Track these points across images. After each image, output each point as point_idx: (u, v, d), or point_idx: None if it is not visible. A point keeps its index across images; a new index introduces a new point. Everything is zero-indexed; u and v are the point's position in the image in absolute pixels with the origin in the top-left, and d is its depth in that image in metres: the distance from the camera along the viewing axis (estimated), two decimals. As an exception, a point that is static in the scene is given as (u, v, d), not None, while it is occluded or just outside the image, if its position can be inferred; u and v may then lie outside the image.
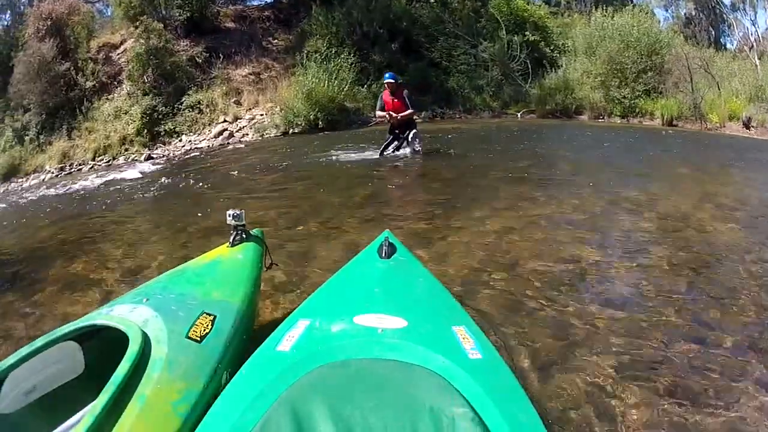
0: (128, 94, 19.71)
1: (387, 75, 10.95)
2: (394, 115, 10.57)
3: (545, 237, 5.50)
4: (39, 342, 2.25)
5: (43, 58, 19.26)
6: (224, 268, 3.09)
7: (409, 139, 11.07)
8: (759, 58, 28.93)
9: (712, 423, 2.71)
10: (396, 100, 10.65)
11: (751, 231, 5.80)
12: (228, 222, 3.37)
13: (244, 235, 3.41)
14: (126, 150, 18.21)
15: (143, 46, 19.37)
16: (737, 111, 18.53)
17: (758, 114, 17.97)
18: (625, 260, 4.81)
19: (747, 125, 17.92)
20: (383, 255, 2.95)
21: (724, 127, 18.22)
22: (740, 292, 4.11)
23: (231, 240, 3.35)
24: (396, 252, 3.02)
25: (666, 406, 2.81)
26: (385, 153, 11.14)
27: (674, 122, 19.13)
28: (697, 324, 3.60)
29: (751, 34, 37.56)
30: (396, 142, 11.20)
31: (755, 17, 38.52)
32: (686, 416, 2.76)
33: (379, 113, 11.13)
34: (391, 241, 3.07)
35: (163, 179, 11.46)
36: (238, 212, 3.37)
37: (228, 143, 17.55)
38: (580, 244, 5.21)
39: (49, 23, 20.16)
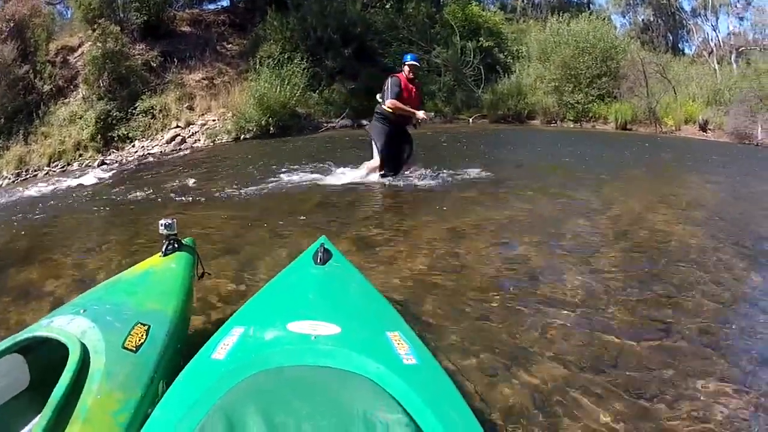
0: (84, 98, 19.67)
1: (411, 56, 8.72)
2: (421, 115, 8.46)
3: (495, 241, 5.53)
4: None
5: (4, 61, 19.15)
6: (157, 278, 3.10)
7: (407, 159, 9.00)
8: (718, 63, 29.73)
9: (670, 417, 2.77)
10: (415, 92, 8.57)
11: (705, 231, 5.96)
12: (160, 231, 3.35)
13: (176, 245, 3.40)
14: (80, 155, 18.21)
15: (100, 50, 19.28)
16: (693, 114, 19.23)
17: (716, 117, 18.68)
18: (576, 263, 4.86)
19: (704, 128, 18.67)
20: (318, 261, 2.95)
21: (680, 130, 18.92)
22: (695, 290, 4.21)
23: (163, 249, 3.34)
24: (331, 258, 3.02)
25: (620, 404, 2.85)
26: (389, 168, 8.79)
27: (628, 126, 19.74)
28: (650, 322, 3.66)
29: (711, 40, 38.43)
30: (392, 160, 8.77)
31: (716, 23, 39.25)
32: (642, 413, 2.81)
33: (395, 103, 8.27)
34: (326, 247, 3.08)
35: (115, 186, 11.52)
36: (170, 221, 3.34)
37: (180, 149, 17.61)
38: (530, 248, 5.29)
39: (12, 25, 20.05)
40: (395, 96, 8.20)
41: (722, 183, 9.35)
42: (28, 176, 17.68)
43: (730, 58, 32.81)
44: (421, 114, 8.40)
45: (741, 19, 40.36)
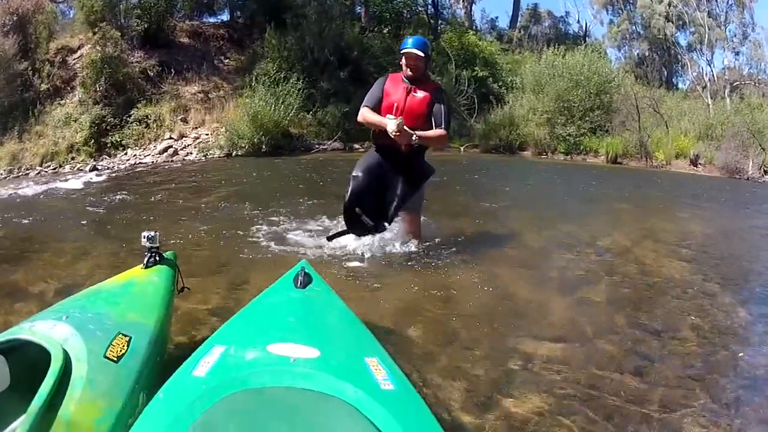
0: (80, 101, 19.81)
1: (411, 40, 5.47)
2: (401, 131, 5.12)
3: (482, 272, 5.38)
4: None
5: (5, 54, 19.29)
6: (138, 290, 3.08)
7: (403, 215, 5.93)
8: (712, 98, 29.97)
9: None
10: (415, 98, 5.40)
11: (692, 265, 5.91)
12: (142, 243, 3.33)
13: (157, 258, 3.39)
14: (72, 159, 18.36)
15: (99, 54, 19.52)
16: (685, 149, 19.20)
17: (707, 151, 18.64)
18: (563, 296, 4.88)
19: (694, 162, 18.63)
20: (299, 285, 2.91)
21: (670, 164, 18.90)
22: (681, 325, 4.17)
23: (145, 261, 3.33)
24: (312, 282, 2.98)
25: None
26: (353, 214, 5.62)
27: (619, 160, 19.70)
28: (636, 356, 3.62)
29: (706, 74, 38.71)
30: (367, 219, 5.57)
31: (711, 57, 39.55)
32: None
33: (368, 116, 5.50)
34: (307, 271, 3.05)
35: (106, 193, 11.52)
36: (153, 234, 3.32)
37: (172, 161, 17.79)
38: (517, 280, 5.23)
39: (14, 19, 20.20)
40: (370, 102, 5.54)
41: (711, 218, 9.38)
42: (20, 174, 17.74)
43: (724, 93, 33.04)
44: (391, 125, 5.13)
45: (737, 53, 40.99)
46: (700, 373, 3.40)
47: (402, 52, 5.46)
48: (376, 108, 5.53)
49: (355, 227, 5.76)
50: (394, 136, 5.16)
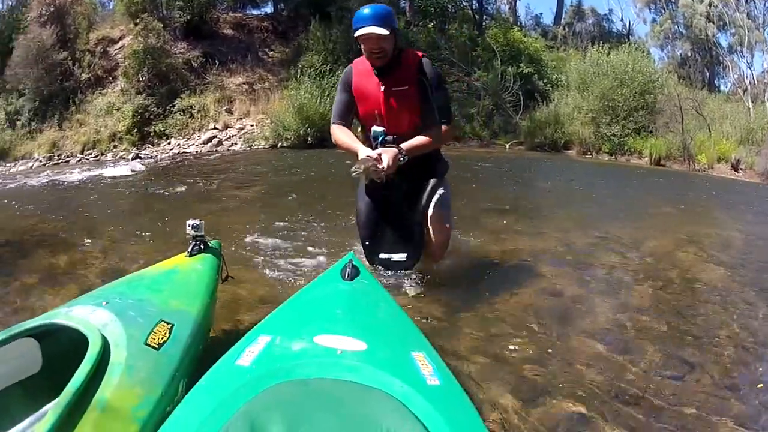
0: (122, 90, 19.88)
1: (368, 11, 3.66)
2: (389, 153, 3.64)
3: (528, 270, 5.36)
4: None
5: (42, 44, 19.53)
6: (182, 277, 3.08)
7: (432, 233, 4.38)
8: (753, 102, 29.28)
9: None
10: (395, 95, 3.89)
11: (734, 273, 5.74)
12: (187, 232, 3.34)
13: (202, 246, 3.38)
14: (115, 147, 18.41)
15: (141, 44, 19.59)
16: (726, 153, 18.61)
17: (748, 157, 18.10)
18: (606, 297, 4.78)
19: (735, 167, 18.06)
20: (346, 277, 2.89)
21: (712, 168, 18.33)
22: (720, 333, 4.12)
23: (189, 250, 3.33)
24: (359, 275, 2.95)
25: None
26: (378, 257, 4.42)
27: (662, 162, 19.20)
28: (676, 361, 3.59)
29: (746, 77, 38.03)
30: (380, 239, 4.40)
31: (752, 60, 39.06)
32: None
33: (340, 139, 4.01)
34: (354, 263, 3.01)
35: (149, 181, 11.47)
36: (198, 222, 3.33)
37: (216, 151, 17.71)
38: (562, 279, 5.15)
39: (52, 9, 20.42)
40: (339, 115, 4.10)
41: (751, 225, 9.01)
42: (60, 161, 17.96)
43: (764, 97, 32.44)
44: (362, 153, 3.74)
45: (775, 56, 40.26)
46: (737, 382, 3.37)
47: (356, 35, 3.75)
48: (349, 120, 4.12)
49: (392, 267, 4.50)
50: (371, 175, 3.70)
